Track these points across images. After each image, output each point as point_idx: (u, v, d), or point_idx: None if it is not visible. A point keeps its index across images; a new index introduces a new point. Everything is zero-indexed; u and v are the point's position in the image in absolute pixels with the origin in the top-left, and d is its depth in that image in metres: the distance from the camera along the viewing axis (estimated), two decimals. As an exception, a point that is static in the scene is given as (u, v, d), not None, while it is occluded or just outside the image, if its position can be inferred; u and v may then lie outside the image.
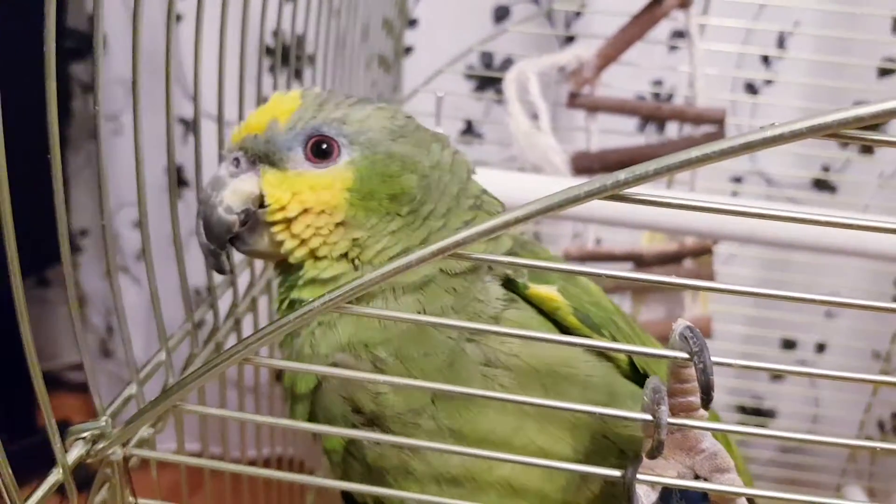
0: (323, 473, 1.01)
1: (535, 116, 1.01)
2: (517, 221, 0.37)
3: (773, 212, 0.36)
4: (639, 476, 0.41)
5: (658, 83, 1.30)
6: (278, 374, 0.85)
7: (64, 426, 0.43)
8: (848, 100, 1.28)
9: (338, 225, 0.49)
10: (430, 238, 0.49)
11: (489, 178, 0.60)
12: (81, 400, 1.70)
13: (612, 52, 1.05)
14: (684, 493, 0.44)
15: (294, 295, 0.49)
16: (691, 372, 0.41)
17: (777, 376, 1.47)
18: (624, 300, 1.11)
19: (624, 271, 1.08)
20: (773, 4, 1.19)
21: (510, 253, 0.51)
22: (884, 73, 1.26)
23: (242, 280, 0.68)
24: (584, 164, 1.04)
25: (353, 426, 0.48)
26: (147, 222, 0.50)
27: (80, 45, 1.41)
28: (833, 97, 1.26)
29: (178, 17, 1.14)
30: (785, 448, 1.44)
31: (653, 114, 1.11)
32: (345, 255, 0.49)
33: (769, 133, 0.33)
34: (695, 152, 0.34)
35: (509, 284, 0.49)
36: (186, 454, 0.55)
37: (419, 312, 0.47)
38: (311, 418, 0.50)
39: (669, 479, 0.42)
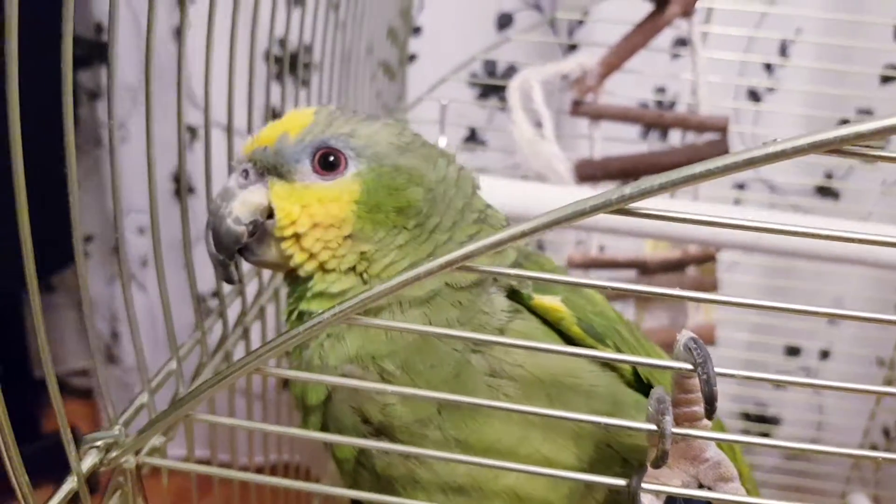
0: (329, 480, 1.02)
1: (538, 124, 1.02)
2: (524, 235, 0.37)
3: (775, 226, 0.36)
4: (644, 485, 0.42)
5: (661, 90, 1.31)
6: (285, 382, 0.86)
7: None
8: (850, 107, 1.29)
9: (346, 238, 0.49)
10: (436, 252, 0.49)
11: (494, 187, 0.60)
12: (85, 405, 1.71)
13: (616, 60, 1.05)
14: (688, 501, 0.44)
15: (303, 306, 0.50)
16: (695, 382, 0.42)
17: (781, 383, 1.47)
18: (627, 307, 1.12)
19: (628, 278, 1.09)
20: (775, 13, 1.20)
21: (515, 264, 0.51)
22: (886, 80, 1.27)
23: (250, 289, 0.69)
24: (587, 172, 1.05)
25: (363, 436, 0.49)
26: (159, 236, 0.50)
27: (86, 52, 1.42)
28: (835, 104, 1.27)
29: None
30: (789, 455, 1.44)
31: (656, 121, 1.12)
32: (353, 269, 0.50)
33: (771, 149, 0.34)
34: (698, 168, 0.35)
35: (514, 295, 0.50)
36: (195, 460, 0.56)
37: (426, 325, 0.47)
38: (323, 428, 0.51)
39: (674, 487, 0.43)
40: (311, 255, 0.49)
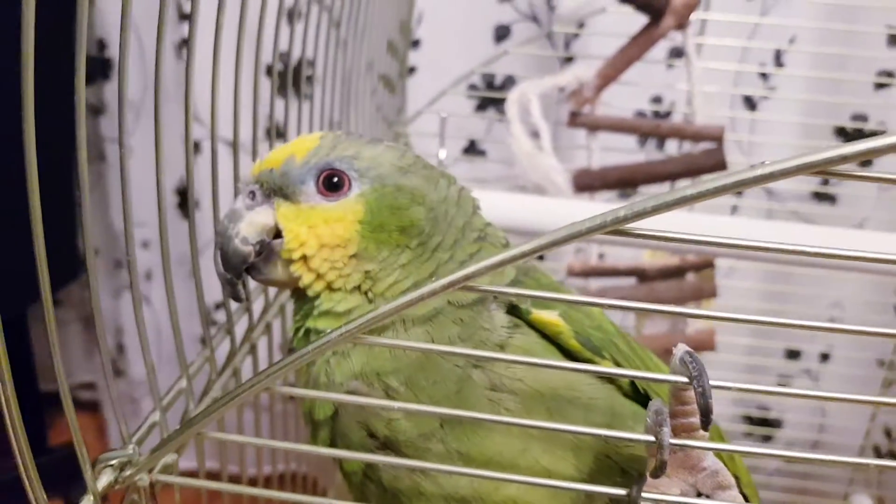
0: (335, 492, 1.03)
1: (536, 135, 1.03)
2: (524, 256, 0.39)
3: (771, 245, 0.38)
4: (643, 494, 0.43)
5: (657, 101, 1.32)
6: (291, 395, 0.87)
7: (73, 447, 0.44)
8: (845, 114, 1.30)
9: (351, 257, 0.50)
10: (439, 270, 0.50)
11: (494, 200, 0.62)
12: (91, 418, 1.72)
13: (612, 71, 1.07)
14: (687, 510, 0.46)
15: (310, 324, 0.51)
16: (691, 395, 0.43)
17: (782, 385, 1.48)
18: (628, 313, 1.13)
19: (627, 286, 1.10)
20: (768, 23, 1.22)
21: (514, 281, 0.53)
22: (880, 86, 1.28)
23: (256, 305, 0.70)
24: (585, 182, 1.06)
25: (370, 450, 0.50)
26: (168, 252, 0.51)
27: (88, 68, 1.44)
28: (831, 112, 1.28)
29: (185, 43, 1.16)
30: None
31: (653, 131, 1.13)
32: (358, 287, 0.51)
33: (759, 171, 0.35)
34: (690, 190, 0.36)
35: (513, 310, 0.51)
36: (206, 474, 0.57)
37: (428, 343, 0.49)
38: (331, 443, 0.52)
39: (673, 497, 0.44)
40: (319, 276, 0.51)
